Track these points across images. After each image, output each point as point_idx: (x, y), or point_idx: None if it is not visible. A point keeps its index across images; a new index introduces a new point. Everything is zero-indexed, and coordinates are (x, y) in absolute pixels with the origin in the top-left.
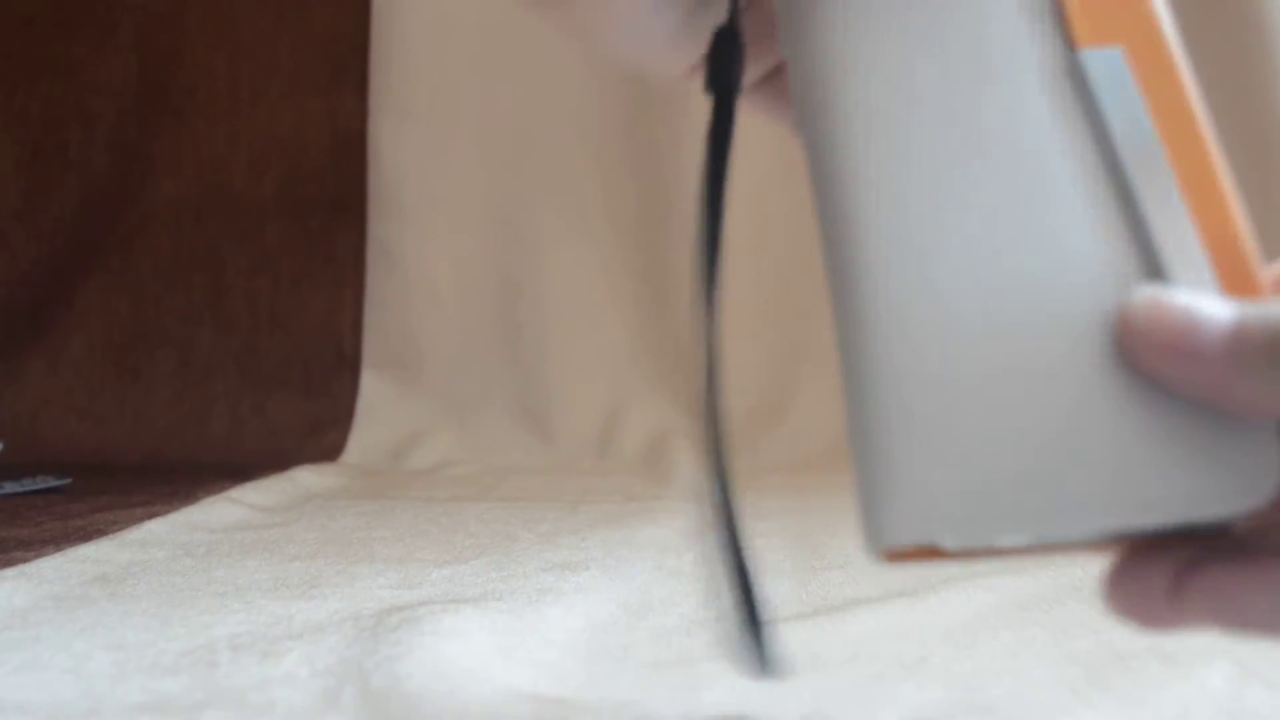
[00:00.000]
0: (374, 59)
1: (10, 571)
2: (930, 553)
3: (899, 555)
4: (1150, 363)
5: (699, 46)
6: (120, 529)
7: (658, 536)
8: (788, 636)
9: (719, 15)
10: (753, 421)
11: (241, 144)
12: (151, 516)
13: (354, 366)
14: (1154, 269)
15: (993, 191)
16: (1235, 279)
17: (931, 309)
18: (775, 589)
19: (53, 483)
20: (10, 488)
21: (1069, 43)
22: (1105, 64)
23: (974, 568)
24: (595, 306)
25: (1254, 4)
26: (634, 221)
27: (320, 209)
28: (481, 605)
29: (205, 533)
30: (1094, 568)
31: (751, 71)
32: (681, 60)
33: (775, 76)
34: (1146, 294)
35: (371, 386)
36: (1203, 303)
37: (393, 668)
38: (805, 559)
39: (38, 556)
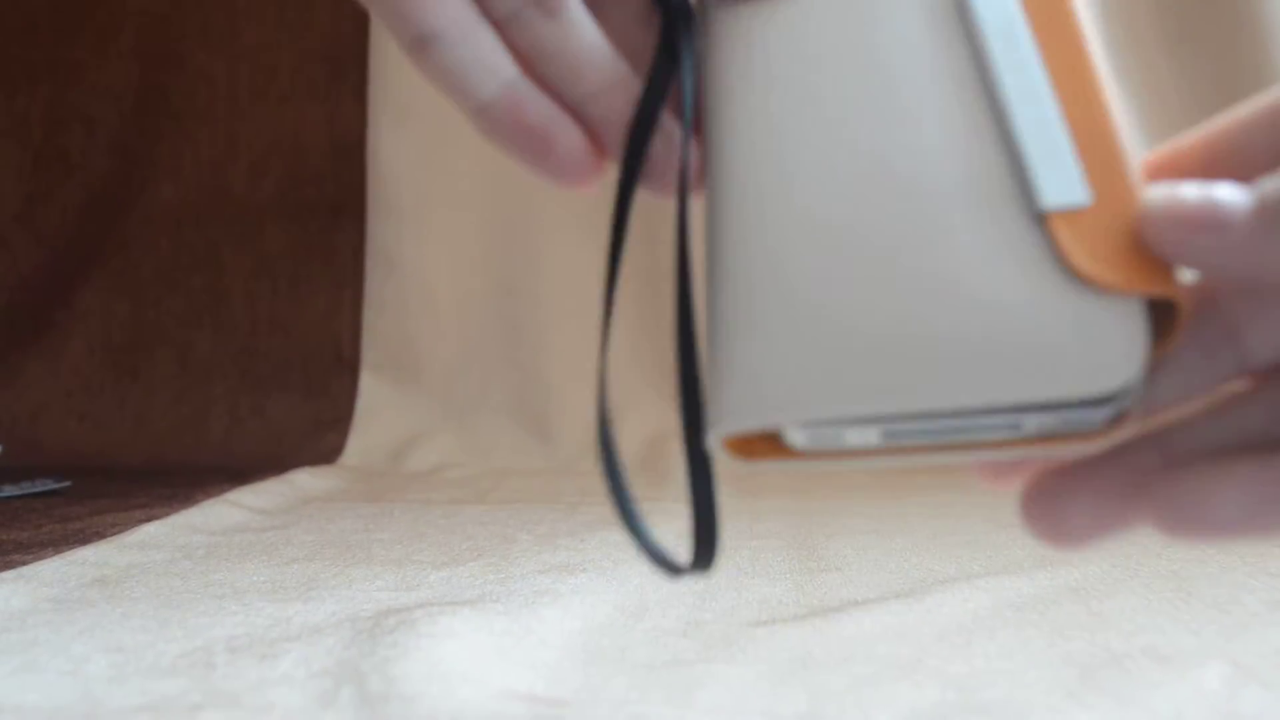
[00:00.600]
0: (373, 63)
1: (9, 574)
2: (783, 451)
3: (748, 450)
4: (1181, 240)
5: None
6: (119, 532)
7: (656, 537)
8: (785, 637)
9: None
10: None
11: (241, 147)
12: (150, 519)
13: (353, 369)
14: (1016, 163)
15: (858, 94)
16: (1102, 172)
17: (783, 203)
18: (772, 590)
19: (52, 485)
20: (9, 490)
21: None
22: None
23: (969, 569)
24: (593, 309)
25: (1254, 4)
26: (632, 223)
27: (319, 212)
28: (479, 607)
29: (204, 535)
30: (1091, 570)
31: None
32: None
33: None
34: (1162, 189)
35: (370, 388)
36: (1217, 189)
37: (390, 669)
38: (802, 560)
39: (37, 559)
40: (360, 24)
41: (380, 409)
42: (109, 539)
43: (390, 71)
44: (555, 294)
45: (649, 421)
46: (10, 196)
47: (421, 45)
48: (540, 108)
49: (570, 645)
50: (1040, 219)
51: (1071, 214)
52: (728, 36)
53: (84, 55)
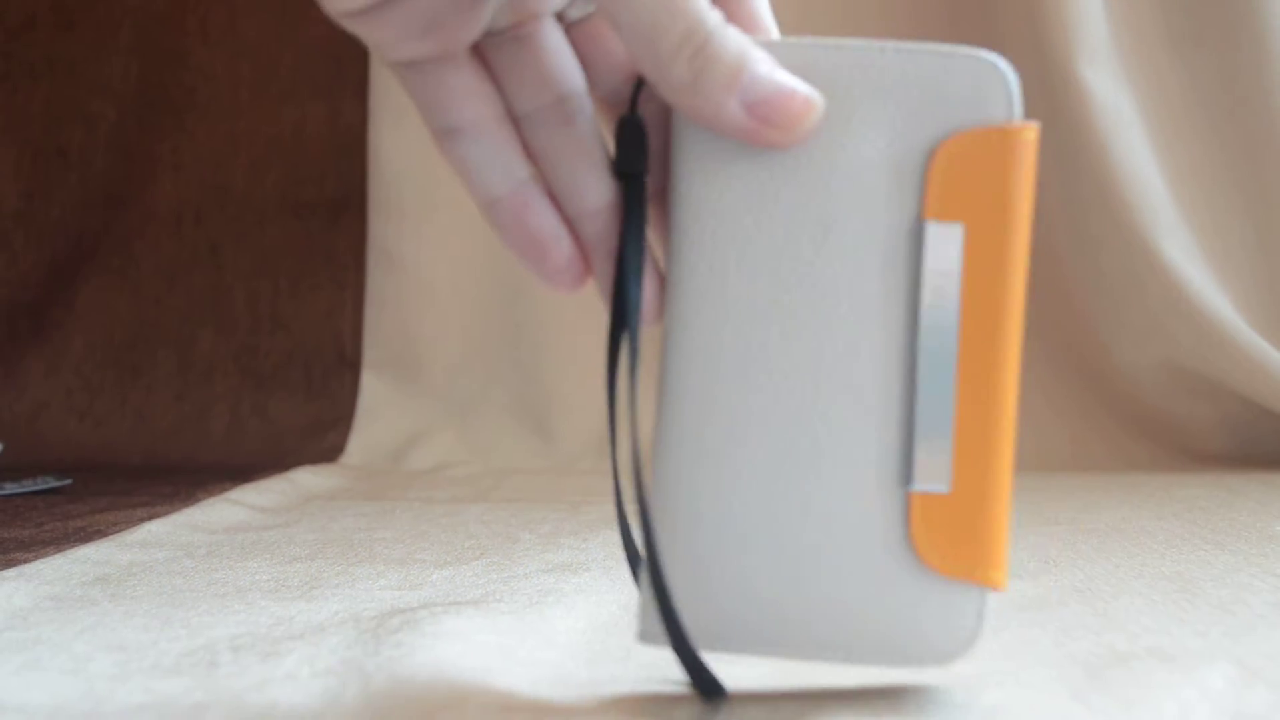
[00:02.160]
0: (374, 61)
1: (10, 572)
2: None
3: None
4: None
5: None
6: (121, 530)
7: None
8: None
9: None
10: None
11: (242, 145)
12: (152, 517)
13: (354, 367)
14: (906, 439)
15: (794, 363)
16: (967, 464)
17: (716, 476)
18: None
19: (53, 483)
20: (10, 488)
21: (920, 210)
22: (939, 233)
23: None
24: (595, 307)
25: (1254, 3)
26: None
27: (320, 210)
28: (483, 606)
29: (206, 534)
30: (1096, 570)
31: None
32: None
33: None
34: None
35: (371, 387)
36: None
37: (395, 669)
38: None
39: (38, 557)
40: None
41: (382, 407)
42: (110, 537)
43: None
44: (557, 293)
45: (651, 422)
46: (9, 194)
47: (445, 136)
48: (541, 217)
49: (575, 645)
50: (905, 498)
51: (929, 497)
52: (696, 203)
53: (84, 52)
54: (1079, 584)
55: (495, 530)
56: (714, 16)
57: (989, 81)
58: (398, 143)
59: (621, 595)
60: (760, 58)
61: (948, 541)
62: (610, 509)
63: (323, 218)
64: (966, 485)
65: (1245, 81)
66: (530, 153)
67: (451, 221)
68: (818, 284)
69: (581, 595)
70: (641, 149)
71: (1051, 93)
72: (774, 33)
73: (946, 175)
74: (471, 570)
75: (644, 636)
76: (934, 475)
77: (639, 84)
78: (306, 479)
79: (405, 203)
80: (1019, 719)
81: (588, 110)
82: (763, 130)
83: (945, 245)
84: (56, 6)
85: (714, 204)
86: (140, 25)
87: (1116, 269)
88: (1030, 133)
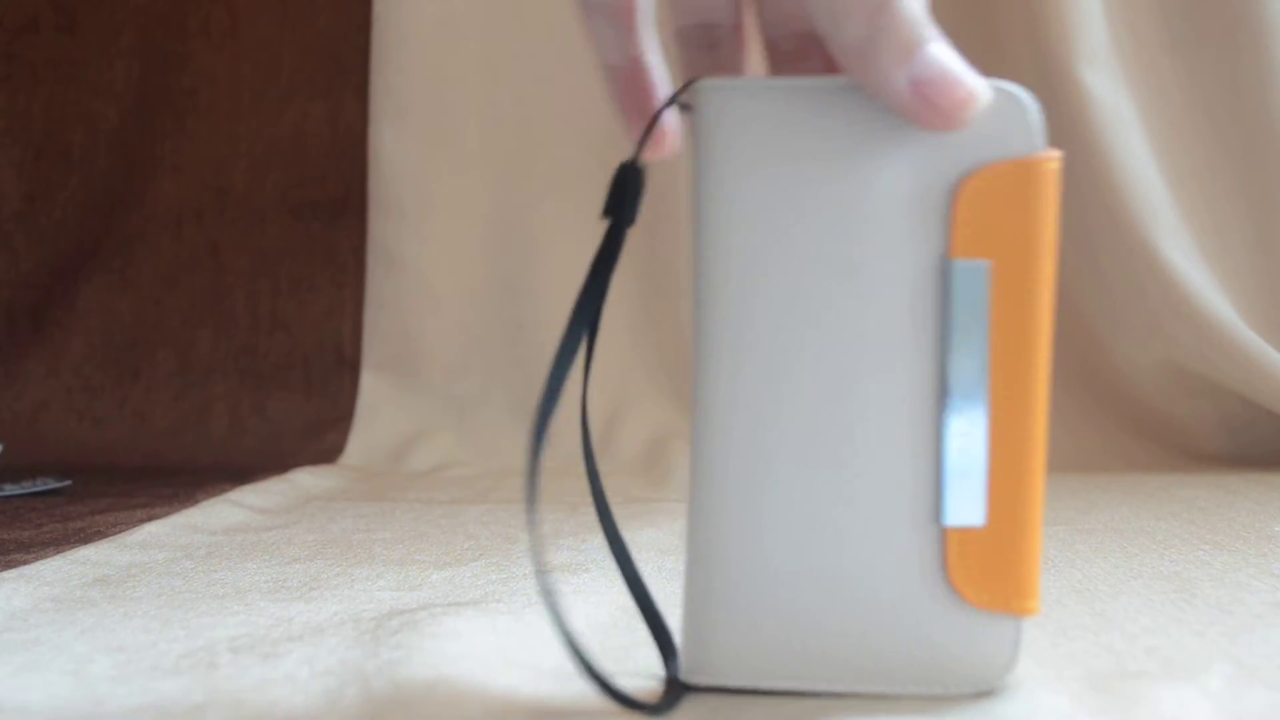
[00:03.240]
0: (375, 61)
1: (10, 573)
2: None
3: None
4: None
5: None
6: (120, 531)
7: (657, 538)
8: None
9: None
10: None
11: (243, 146)
12: (151, 518)
13: (354, 368)
14: (937, 477)
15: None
16: (1003, 497)
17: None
18: None
19: (53, 484)
20: (10, 489)
21: (946, 249)
22: (966, 273)
23: None
24: None
25: (1254, 4)
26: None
27: (321, 211)
28: (482, 607)
29: (205, 535)
30: (1094, 570)
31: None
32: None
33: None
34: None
35: (371, 388)
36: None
37: (394, 671)
38: None
39: (38, 558)
40: (362, 22)
41: (381, 408)
42: (110, 538)
43: (392, 70)
44: (557, 292)
45: (650, 422)
46: (10, 194)
47: (587, 9)
48: (638, 94)
49: None
50: (940, 532)
51: (964, 532)
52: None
53: (85, 53)
54: (1077, 584)
55: (495, 531)
56: None
57: (1010, 114)
58: (398, 143)
59: (620, 596)
60: (935, 35)
61: (983, 575)
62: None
63: (323, 218)
64: (1001, 519)
65: (1245, 83)
66: (680, 59)
67: (452, 222)
68: (848, 321)
69: (580, 596)
70: (635, 200)
71: (1051, 94)
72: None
73: (972, 211)
74: (471, 571)
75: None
76: (969, 511)
77: (652, 122)
78: (306, 480)
79: (405, 203)
80: (1020, 719)
81: (732, 43)
82: (923, 111)
83: (973, 283)
84: (58, 8)
85: (741, 248)
86: (142, 27)
87: (1116, 270)
88: (1053, 163)
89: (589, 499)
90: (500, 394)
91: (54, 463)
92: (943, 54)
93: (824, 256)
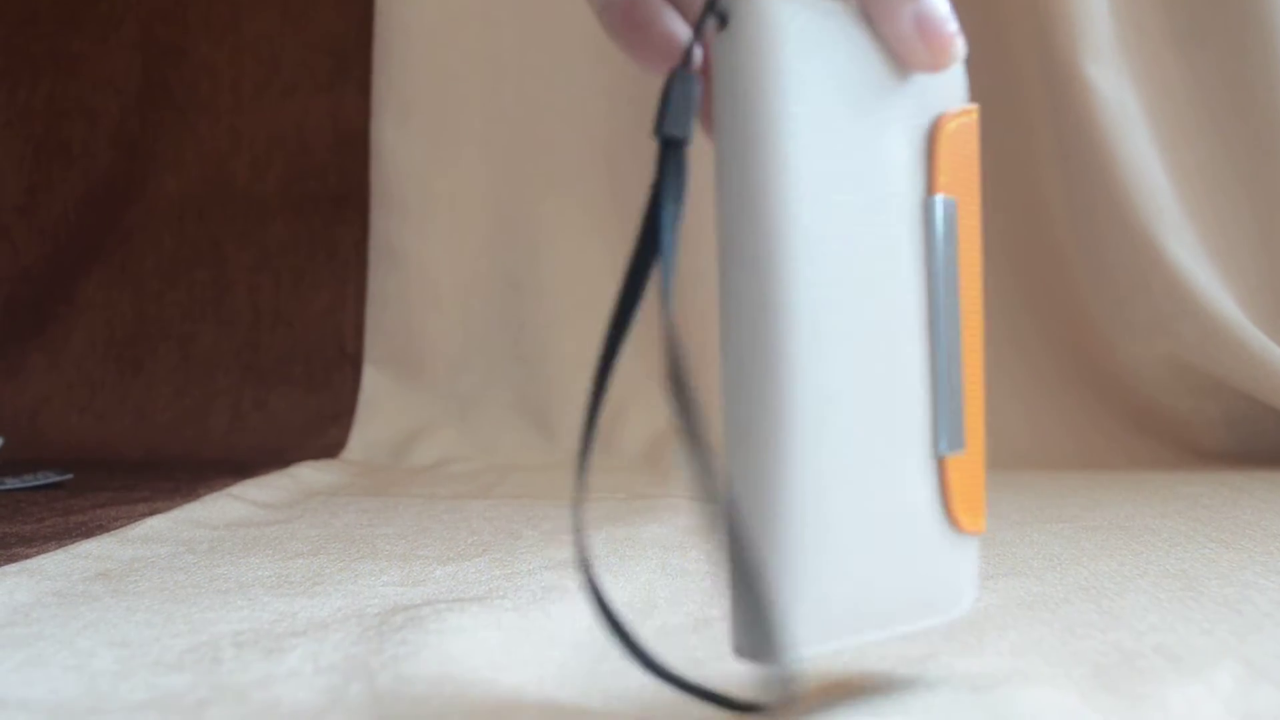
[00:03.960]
0: (377, 56)
1: (12, 568)
2: None
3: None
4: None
5: None
6: (122, 525)
7: (661, 534)
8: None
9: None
10: None
11: (244, 140)
12: (153, 513)
13: (356, 363)
14: (932, 410)
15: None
16: (972, 431)
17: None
18: None
19: (54, 478)
20: (12, 483)
21: (930, 185)
22: (945, 208)
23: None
24: (597, 303)
25: (1254, 4)
26: (636, 217)
27: (322, 205)
28: (486, 603)
29: (207, 529)
30: (1100, 568)
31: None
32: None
33: None
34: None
35: (373, 383)
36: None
37: (399, 666)
38: None
39: (40, 553)
40: (364, 16)
41: (383, 403)
42: (112, 532)
43: (394, 65)
44: (559, 288)
45: (653, 418)
46: (12, 189)
47: None
48: (641, 18)
49: (579, 642)
50: (939, 462)
51: (954, 460)
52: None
53: (86, 47)
54: (1084, 582)
55: (498, 526)
56: None
57: (956, 68)
58: (400, 138)
59: (624, 591)
60: None
61: (964, 500)
62: (610, 506)
63: (325, 213)
64: (972, 445)
65: (1250, 79)
66: None
67: (454, 217)
68: (880, 254)
69: (585, 592)
70: (689, 111)
71: (1056, 90)
72: None
73: (943, 152)
74: (474, 567)
75: (740, 651)
76: (956, 439)
77: (699, 27)
78: (308, 474)
79: (407, 198)
80: (1026, 718)
81: None
82: (918, 48)
83: (949, 219)
84: (59, 2)
85: (807, 172)
86: (143, 21)
87: (1121, 266)
88: (977, 113)
89: (591, 496)
90: (502, 389)
91: (55, 457)
92: None
93: (863, 186)
